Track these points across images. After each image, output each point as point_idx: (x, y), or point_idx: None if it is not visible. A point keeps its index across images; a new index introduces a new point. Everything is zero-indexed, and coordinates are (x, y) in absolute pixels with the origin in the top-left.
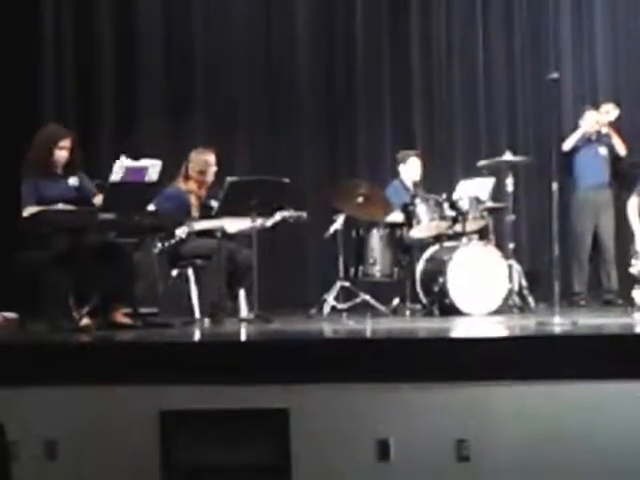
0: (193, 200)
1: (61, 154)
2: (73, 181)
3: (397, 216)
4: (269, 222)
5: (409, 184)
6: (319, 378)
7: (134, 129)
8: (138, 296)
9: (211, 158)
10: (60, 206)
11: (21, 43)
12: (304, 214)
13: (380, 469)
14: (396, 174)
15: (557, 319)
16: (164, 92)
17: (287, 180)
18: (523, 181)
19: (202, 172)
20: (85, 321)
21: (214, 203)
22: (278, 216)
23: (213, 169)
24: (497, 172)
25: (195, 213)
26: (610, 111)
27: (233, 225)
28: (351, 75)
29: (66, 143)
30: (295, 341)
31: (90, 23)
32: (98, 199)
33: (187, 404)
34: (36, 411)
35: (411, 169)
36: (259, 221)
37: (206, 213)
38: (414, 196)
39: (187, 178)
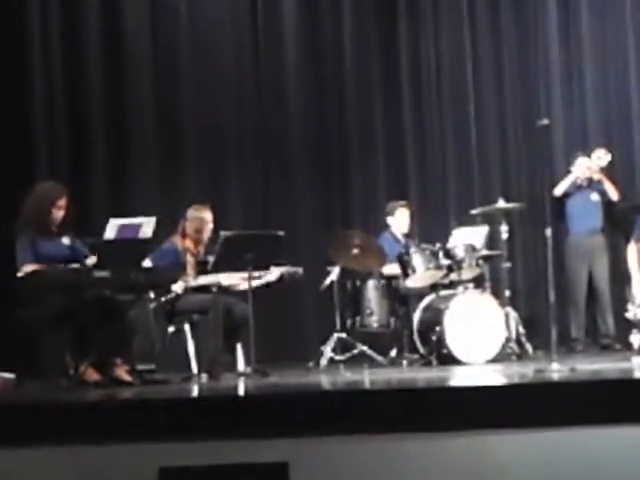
0: (189, 258)
1: (59, 213)
2: (66, 240)
3: (392, 268)
4: (265, 279)
5: (399, 235)
6: (318, 431)
7: (126, 186)
8: (135, 353)
9: (207, 216)
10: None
11: (12, 98)
12: (300, 270)
13: None
14: (387, 225)
15: (555, 365)
16: (155, 147)
17: (282, 233)
18: (517, 228)
19: (198, 230)
20: (90, 374)
21: (210, 258)
22: (275, 274)
23: (209, 227)
24: (491, 220)
25: (191, 271)
26: (602, 157)
27: (230, 279)
28: (344, 126)
29: (63, 202)
30: (293, 394)
31: (81, 79)
32: (91, 260)
33: (186, 460)
34: (35, 471)
35: (400, 220)
36: (256, 279)
37: (202, 268)
38: (407, 246)
39: (184, 236)
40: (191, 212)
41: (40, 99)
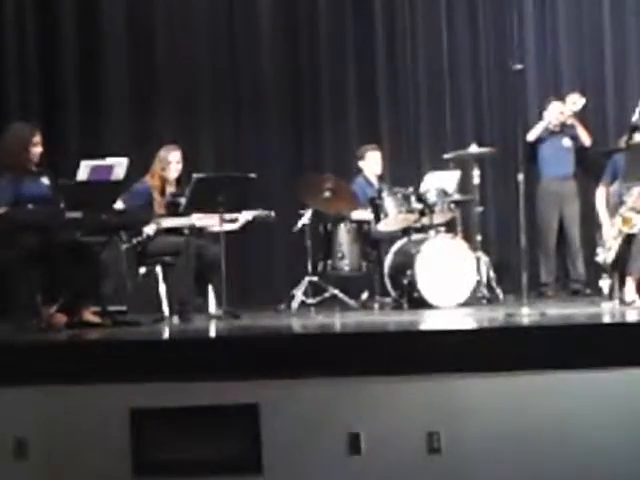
0: (156, 196)
1: (37, 150)
2: (45, 180)
3: (365, 214)
4: (238, 224)
5: (373, 179)
6: (289, 373)
7: (99, 128)
8: (106, 294)
9: (172, 156)
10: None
11: None
12: (272, 213)
13: (351, 463)
14: (360, 169)
15: (525, 310)
16: (128, 89)
17: (254, 175)
18: (489, 173)
19: (163, 169)
20: (59, 317)
21: (182, 200)
22: (247, 216)
23: (174, 166)
24: (463, 164)
25: (159, 209)
26: (577, 101)
27: (201, 221)
28: (316, 70)
29: (38, 138)
30: (264, 337)
31: (54, 23)
32: None
33: (157, 401)
34: (6, 411)
35: (371, 163)
36: (228, 222)
37: (174, 210)
38: (380, 190)
39: (153, 174)
40: (161, 152)
41: (12, 41)
